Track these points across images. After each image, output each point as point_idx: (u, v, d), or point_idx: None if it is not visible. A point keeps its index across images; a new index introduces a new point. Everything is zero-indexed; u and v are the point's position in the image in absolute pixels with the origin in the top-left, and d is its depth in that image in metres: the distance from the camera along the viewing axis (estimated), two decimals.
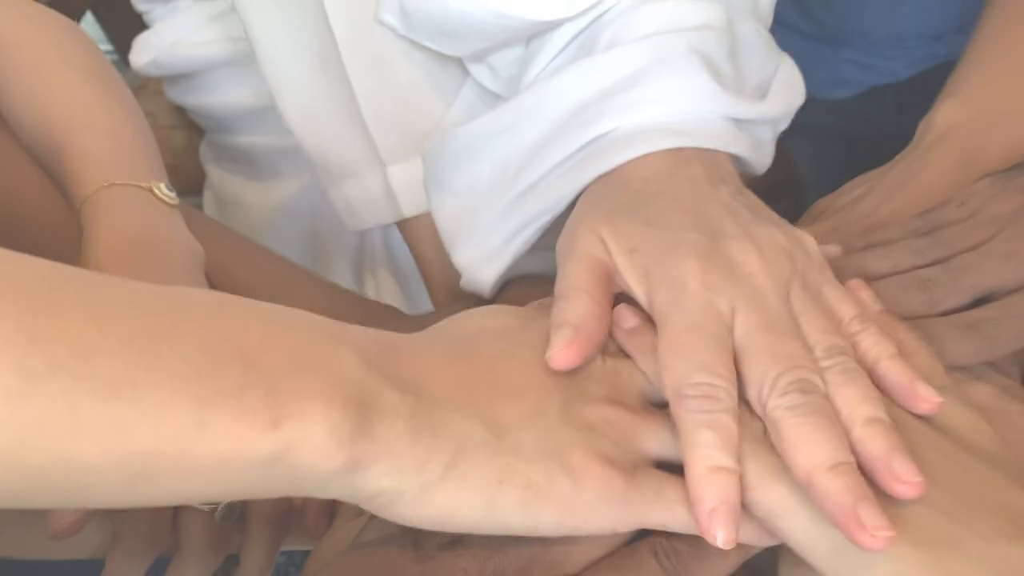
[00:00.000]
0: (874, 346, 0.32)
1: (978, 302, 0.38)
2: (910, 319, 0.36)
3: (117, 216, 0.43)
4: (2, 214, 0.48)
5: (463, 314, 0.34)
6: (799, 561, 0.29)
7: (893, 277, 0.38)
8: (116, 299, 0.24)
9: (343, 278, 0.63)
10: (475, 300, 0.47)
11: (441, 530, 0.28)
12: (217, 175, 0.75)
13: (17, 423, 0.21)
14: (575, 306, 0.32)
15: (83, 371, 0.22)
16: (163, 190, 0.46)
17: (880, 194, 0.45)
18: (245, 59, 0.65)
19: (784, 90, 0.44)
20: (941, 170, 0.45)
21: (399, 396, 0.26)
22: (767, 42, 0.44)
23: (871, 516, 0.25)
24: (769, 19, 0.46)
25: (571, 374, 0.31)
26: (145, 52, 0.73)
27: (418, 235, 0.52)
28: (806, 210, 0.49)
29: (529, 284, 0.46)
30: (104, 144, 0.46)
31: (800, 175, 0.84)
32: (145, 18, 0.80)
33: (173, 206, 0.46)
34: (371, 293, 0.62)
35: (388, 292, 0.61)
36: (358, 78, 0.48)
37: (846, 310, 0.33)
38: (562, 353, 0.30)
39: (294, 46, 0.50)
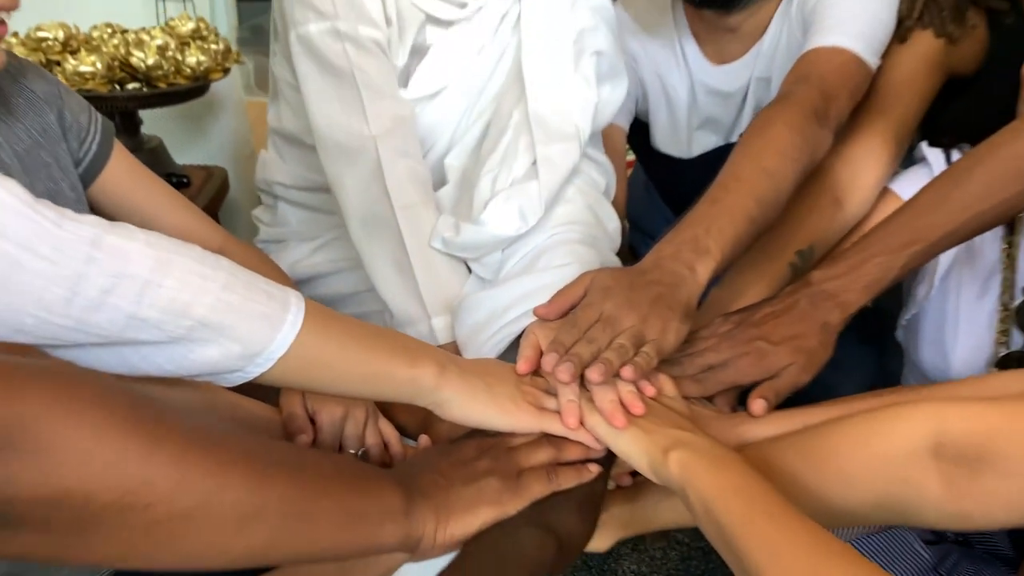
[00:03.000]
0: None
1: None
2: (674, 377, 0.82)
3: None
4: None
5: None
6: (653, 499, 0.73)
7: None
8: (351, 328, 0.70)
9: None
10: None
11: (465, 424, 0.72)
12: None
13: (317, 354, 0.64)
14: (529, 352, 0.78)
15: (348, 345, 0.67)
16: None
17: None
18: (345, 268, 1.14)
19: None
20: None
21: (455, 366, 0.71)
22: None
23: (619, 415, 0.70)
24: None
25: (521, 377, 0.76)
26: None
27: None
28: None
29: None
30: None
31: None
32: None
33: None
34: None
35: None
36: (421, 277, 0.95)
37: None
38: (524, 367, 0.76)
39: (386, 262, 0.97)
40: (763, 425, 0.78)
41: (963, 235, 0.86)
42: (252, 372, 0.62)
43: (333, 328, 0.66)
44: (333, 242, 1.18)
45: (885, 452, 0.65)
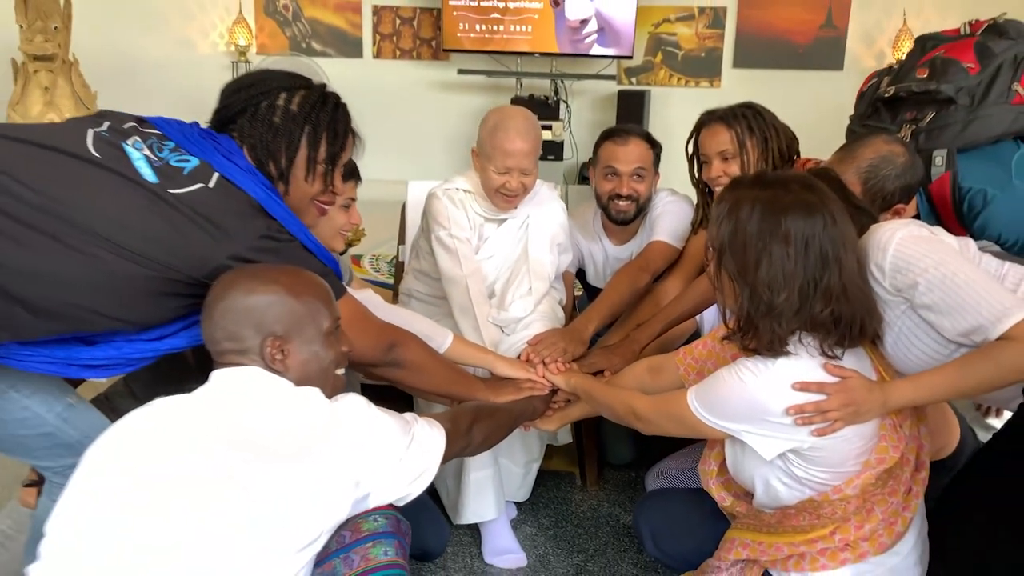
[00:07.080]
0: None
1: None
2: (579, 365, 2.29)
3: None
4: None
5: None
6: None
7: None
8: (469, 343, 2.17)
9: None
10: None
11: (502, 375, 2.21)
12: None
13: (456, 350, 2.16)
14: (524, 353, 2.28)
15: (468, 348, 2.16)
16: None
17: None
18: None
19: None
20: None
21: (500, 357, 2.23)
22: None
23: (555, 371, 2.19)
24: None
25: (522, 361, 2.26)
26: None
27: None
28: None
29: None
30: None
31: None
32: None
33: None
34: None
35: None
36: (484, 333, 2.39)
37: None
38: (523, 358, 2.28)
39: (469, 327, 2.40)
40: (605, 379, 2.23)
41: (683, 319, 2.35)
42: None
43: (460, 342, 2.17)
44: (439, 321, 2.64)
45: (639, 372, 2.12)
